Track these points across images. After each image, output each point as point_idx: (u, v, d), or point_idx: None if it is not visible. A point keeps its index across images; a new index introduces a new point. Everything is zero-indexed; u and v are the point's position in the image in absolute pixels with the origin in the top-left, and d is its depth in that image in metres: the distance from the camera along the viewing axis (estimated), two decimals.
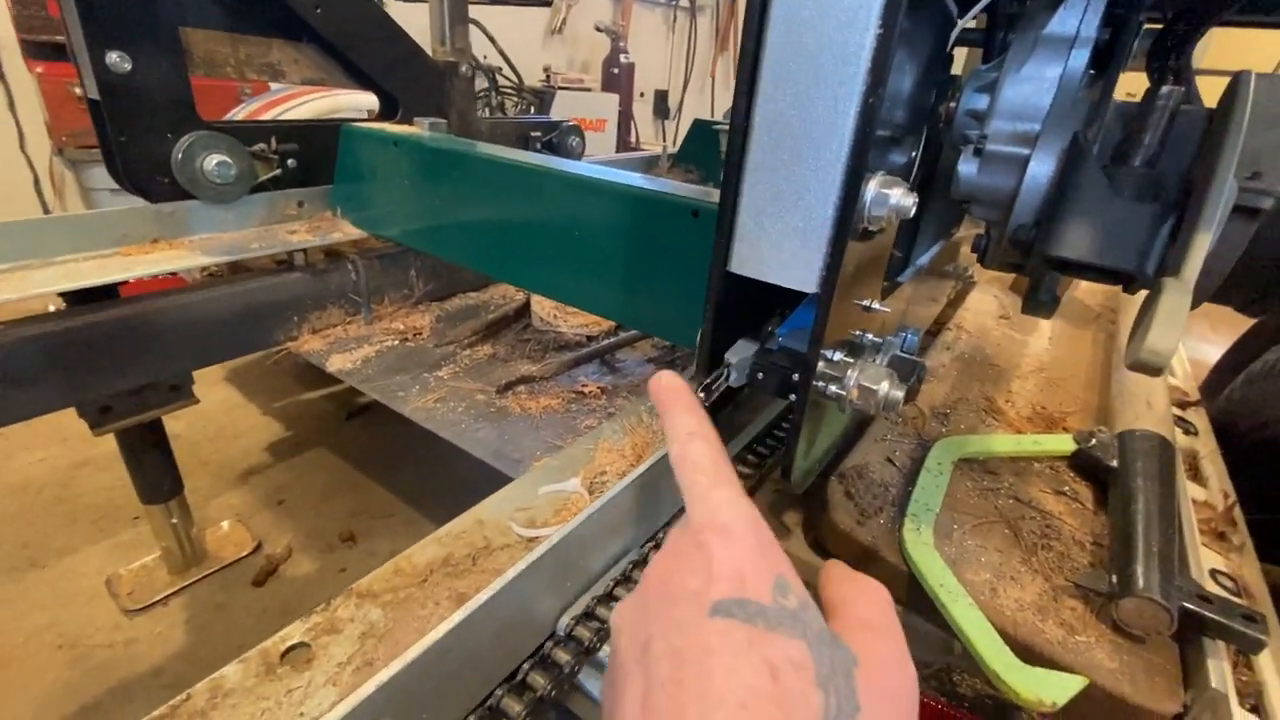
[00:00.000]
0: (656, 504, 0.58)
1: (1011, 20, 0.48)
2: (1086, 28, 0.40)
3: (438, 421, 0.98)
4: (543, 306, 1.29)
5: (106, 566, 1.30)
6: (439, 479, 1.59)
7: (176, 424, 1.64)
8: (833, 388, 0.44)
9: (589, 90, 4.13)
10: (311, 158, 1.21)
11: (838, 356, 0.45)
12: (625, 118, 4.13)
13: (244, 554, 1.36)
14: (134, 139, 0.98)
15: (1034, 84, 0.41)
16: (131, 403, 1.04)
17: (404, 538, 1.46)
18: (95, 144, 2.26)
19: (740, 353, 0.47)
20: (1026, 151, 0.42)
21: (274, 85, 2.20)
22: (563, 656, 0.45)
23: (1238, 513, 0.84)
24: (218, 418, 1.81)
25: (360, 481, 1.62)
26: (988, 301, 1.45)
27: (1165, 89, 0.40)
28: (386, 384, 1.07)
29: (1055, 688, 0.53)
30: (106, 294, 0.98)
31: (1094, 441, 0.85)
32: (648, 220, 0.80)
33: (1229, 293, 0.42)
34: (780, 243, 0.38)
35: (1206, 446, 1.02)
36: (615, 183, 0.83)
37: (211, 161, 1.03)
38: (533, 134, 1.69)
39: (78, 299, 0.95)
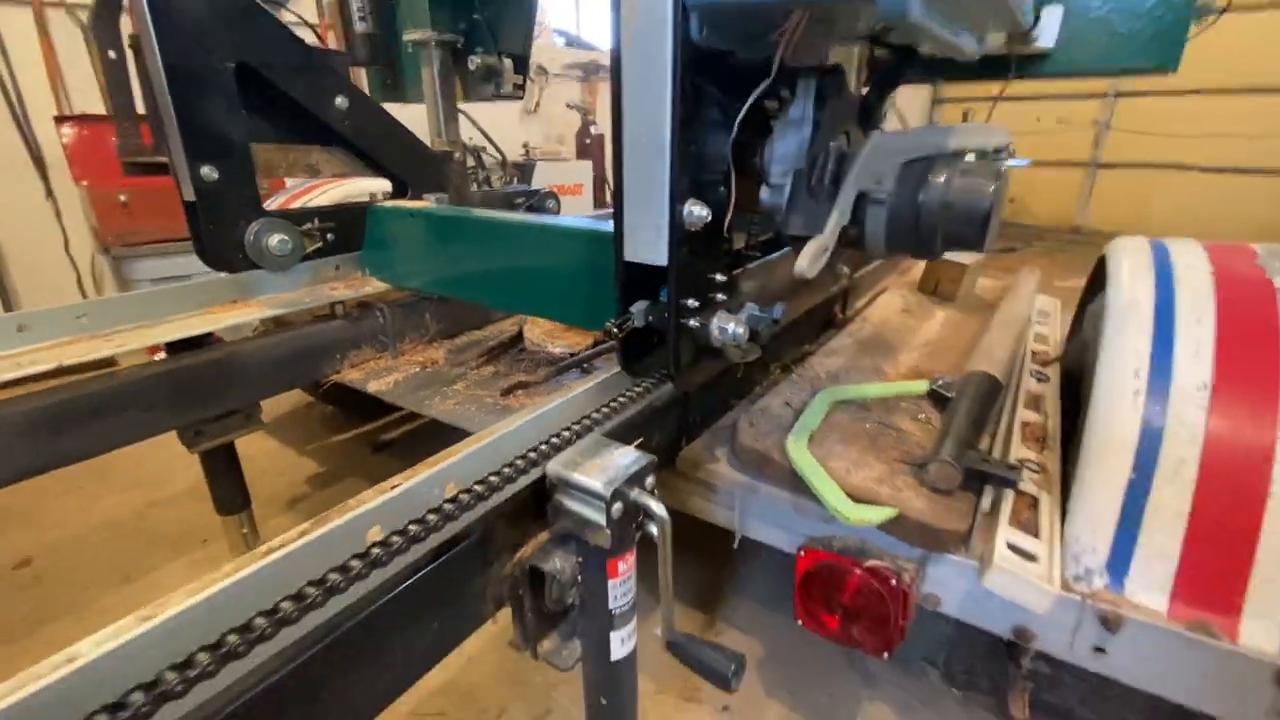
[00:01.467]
0: None
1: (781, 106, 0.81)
2: (805, 113, 0.72)
3: (456, 417, 1.27)
4: (533, 332, 1.61)
5: (187, 578, 1.56)
6: None
7: (249, 448, 1.93)
8: (694, 321, 0.75)
9: (565, 160, 4.60)
10: (344, 231, 1.54)
11: (695, 304, 0.76)
12: (599, 181, 4.57)
13: None
14: (218, 227, 1.32)
15: (785, 143, 0.73)
16: (216, 427, 1.34)
17: None
18: (138, 241, 2.64)
19: (639, 307, 0.77)
20: (785, 182, 0.73)
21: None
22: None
23: (1051, 426, 1.14)
24: (262, 461, 2.09)
25: None
26: (895, 300, 1.78)
27: (834, 142, 0.72)
28: (415, 397, 1.37)
29: (873, 514, 0.82)
30: (200, 343, 1.29)
31: (941, 382, 1.16)
32: (576, 243, 1.12)
33: (899, 246, 0.73)
34: (647, 238, 0.69)
35: (1051, 390, 1.32)
36: (556, 224, 1.17)
37: (274, 240, 1.36)
38: (516, 201, 2.05)
39: (181, 346, 1.26)
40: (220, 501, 1.47)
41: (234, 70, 1.27)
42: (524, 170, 3.56)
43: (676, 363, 0.76)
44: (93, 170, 2.87)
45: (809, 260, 0.69)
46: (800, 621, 0.93)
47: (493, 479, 0.66)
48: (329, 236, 1.51)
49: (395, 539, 0.57)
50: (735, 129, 0.70)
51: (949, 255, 1.76)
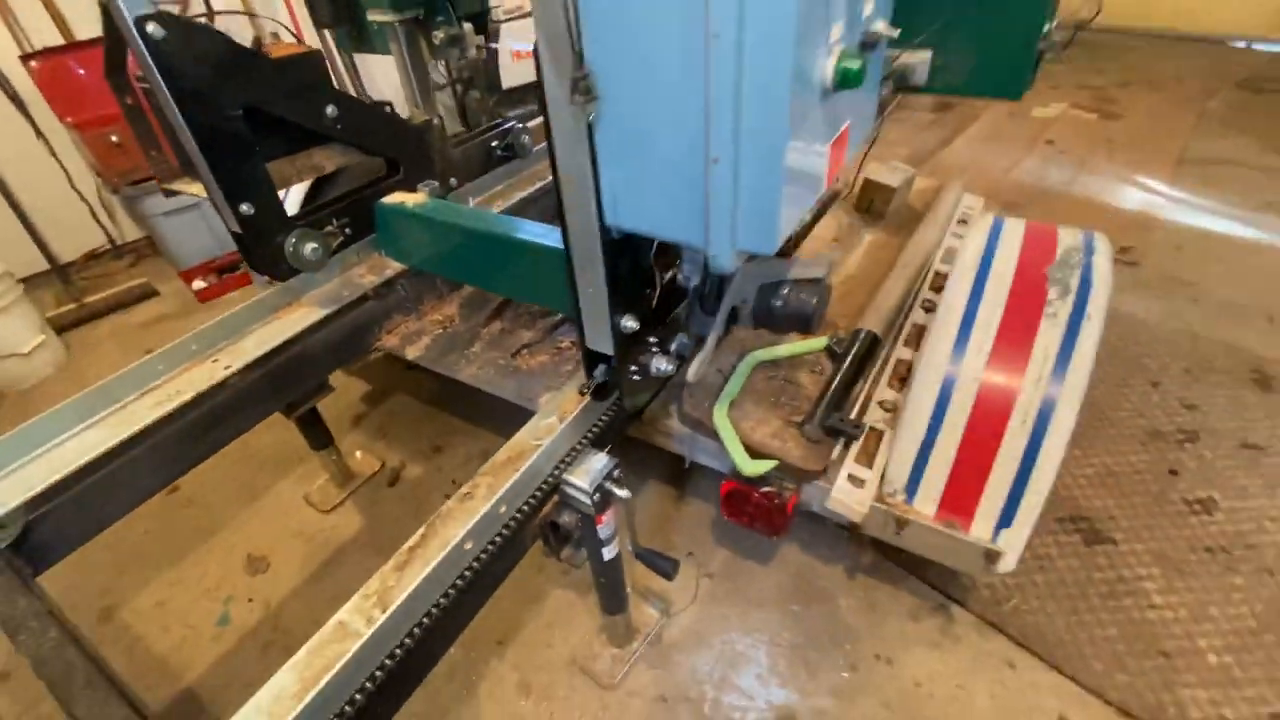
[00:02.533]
0: None
1: None
2: (698, 272, 1.03)
3: (482, 381, 1.70)
4: None
5: (298, 489, 2.13)
6: (487, 407, 2.35)
7: None
8: (635, 375, 1.14)
9: (528, 14, 4.37)
10: (356, 222, 1.83)
11: (635, 369, 1.15)
12: None
13: (375, 470, 2.17)
14: (262, 246, 1.62)
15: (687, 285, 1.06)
16: (302, 399, 1.79)
17: (472, 446, 2.25)
18: (147, 178, 2.87)
19: (600, 371, 1.15)
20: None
21: None
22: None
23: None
24: None
25: (432, 413, 2.40)
26: (829, 226, 2.07)
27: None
28: (446, 361, 1.78)
29: (762, 466, 1.29)
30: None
31: (835, 340, 1.55)
32: (536, 252, 1.45)
33: (760, 326, 1.08)
34: (598, 339, 1.05)
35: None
36: (519, 237, 1.48)
37: (308, 248, 1.67)
38: (493, 145, 2.24)
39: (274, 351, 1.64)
40: (312, 442, 1.97)
41: (242, 114, 1.49)
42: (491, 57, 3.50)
43: (628, 395, 1.17)
44: (75, 107, 2.93)
45: (694, 370, 1.06)
46: (725, 516, 1.45)
47: (537, 494, 1.12)
48: (346, 230, 1.81)
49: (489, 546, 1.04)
50: (658, 287, 1.03)
51: (876, 174, 2.04)
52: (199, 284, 3.26)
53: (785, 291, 1.00)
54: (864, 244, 2.01)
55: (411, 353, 1.83)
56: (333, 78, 1.69)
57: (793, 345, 1.57)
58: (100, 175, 3.16)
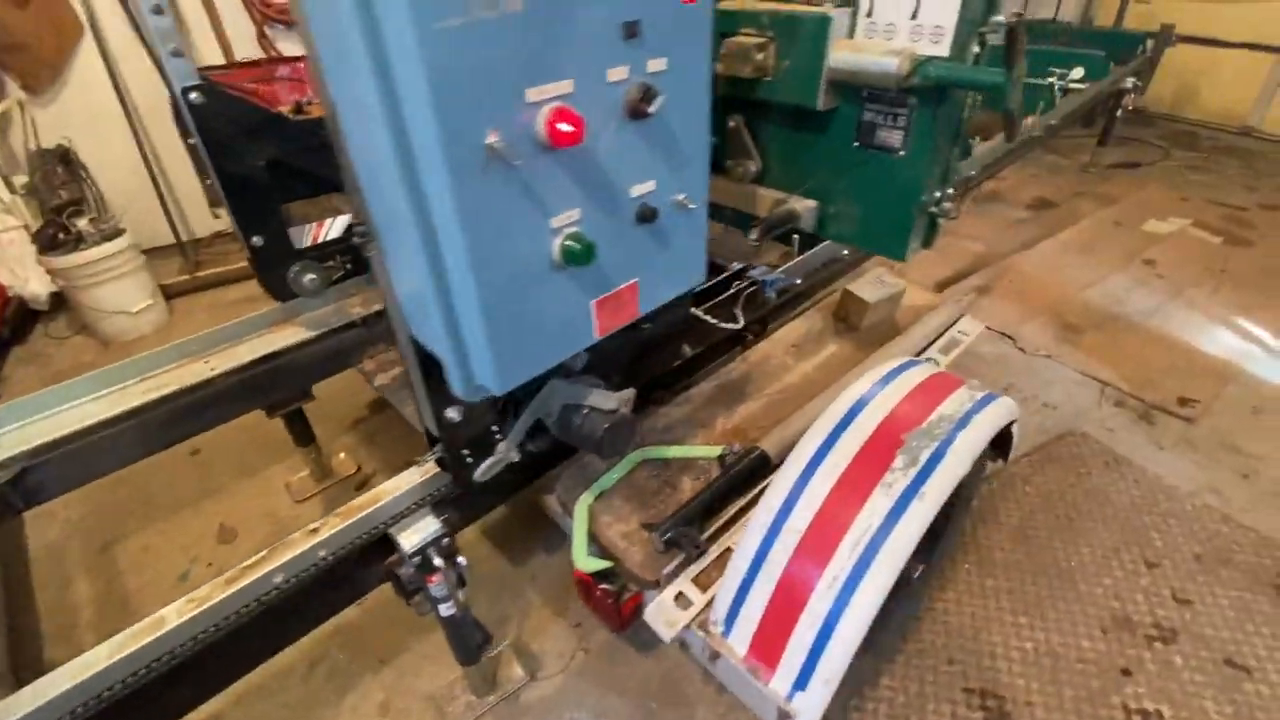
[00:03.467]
0: None
1: None
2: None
3: (414, 419, 1.87)
4: None
5: (286, 475, 2.42)
6: None
7: (322, 393, 2.70)
8: (478, 475, 1.25)
9: None
10: (357, 258, 2.08)
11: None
12: None
13: (351, 473, 2.42)
14: (270, 272, 1.91)
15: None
16: (284, 403, 2.05)
17: None
18: None
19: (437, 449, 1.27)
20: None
21: None
22: None
23: None
24: (337, 384, 2.89)
25: (418, 432, 2.63)
26: (797, 329, 2.05)
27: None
28: (399, 395, 1.98)
29: (594, 563, 1.33)
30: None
31: (731, 451, 1.56)
32: None
33: (564, 440, 1.14)
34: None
35: None
36: None
37: (307, 278, 1.94)
38: None
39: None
40: (295, 439, 2.24)
41: (265, 165, 1.78)
42: None
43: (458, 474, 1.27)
44: None
45: (484, 470, 1.15)
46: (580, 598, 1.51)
47: (357, 542, 1.26)
48: (347, 265, 2.07)
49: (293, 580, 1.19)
50: None
51: (856, 288, 2.02)
52: None
53: (583, 413, 1.06)
54: (824, 355, 1.98)
55: (379, 380, 2.05)
56: None
57: (687, 448, 1.60)
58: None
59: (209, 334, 1.87)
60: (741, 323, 1.67)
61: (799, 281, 1.91)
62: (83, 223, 3.09)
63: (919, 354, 1.97)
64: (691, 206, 0.93)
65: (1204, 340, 2.98)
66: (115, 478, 1.73)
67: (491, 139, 0.67)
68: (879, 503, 1.14)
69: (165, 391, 1.73)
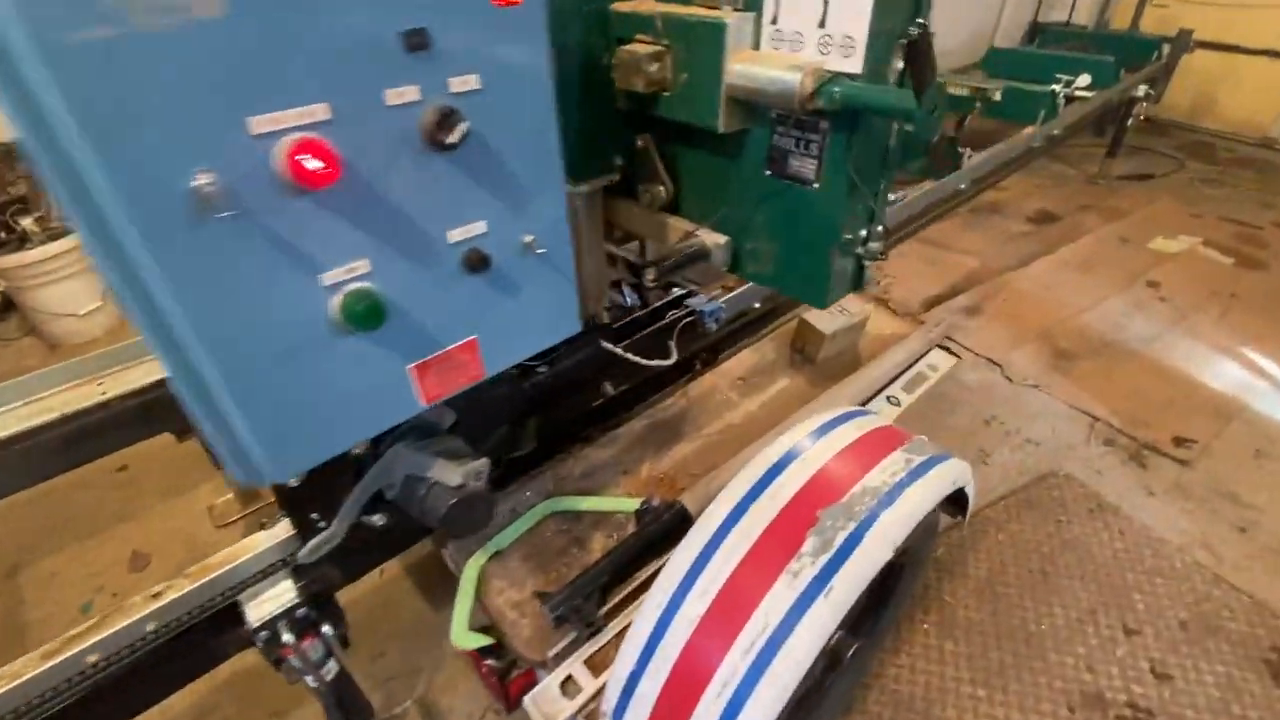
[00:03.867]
0: None
1: None
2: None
3: None
4: None
5: (213, 496, 2.28)
6: None
7: None
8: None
9: None
10: None
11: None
12: None
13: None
14: None
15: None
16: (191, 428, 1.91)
17: None
18: None
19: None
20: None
21: None
22: None
23: None
24: None
25: None
26: (746, 362, 1.89)
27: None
28: None
29: (473, 639, 1.18)
30: None
31: (649, 506, 1.40)
32: None
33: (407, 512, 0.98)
34: None
35: None
36: None
37: None
38: None
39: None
40: (212, 460, 2.10)
41: None
42: None
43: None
44: None
45: (309, 550, 0.99)
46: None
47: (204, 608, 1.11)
48: None
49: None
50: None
51: (813, 317, 1.85)
52: None
53: (429, 484, 0.91)
54: (773, 390, 1.81)
55: None
56: None
57: (602, 499, 1.44)
58: None
59: (100, 355, 1.73)
60: (674, 357, 1.50)
61: (750, 309, 1.74)
62: (27, 221, 2.97)
63: (880, 391, 1.80)
64: (541, 251, 0.77)
65: (1207, 372, 2.77)
66: (34, 492, 1.60)
67: (200, 181, 0.52)
68: (780, 595, 0.97)
69: (50, 417, 1.60)
